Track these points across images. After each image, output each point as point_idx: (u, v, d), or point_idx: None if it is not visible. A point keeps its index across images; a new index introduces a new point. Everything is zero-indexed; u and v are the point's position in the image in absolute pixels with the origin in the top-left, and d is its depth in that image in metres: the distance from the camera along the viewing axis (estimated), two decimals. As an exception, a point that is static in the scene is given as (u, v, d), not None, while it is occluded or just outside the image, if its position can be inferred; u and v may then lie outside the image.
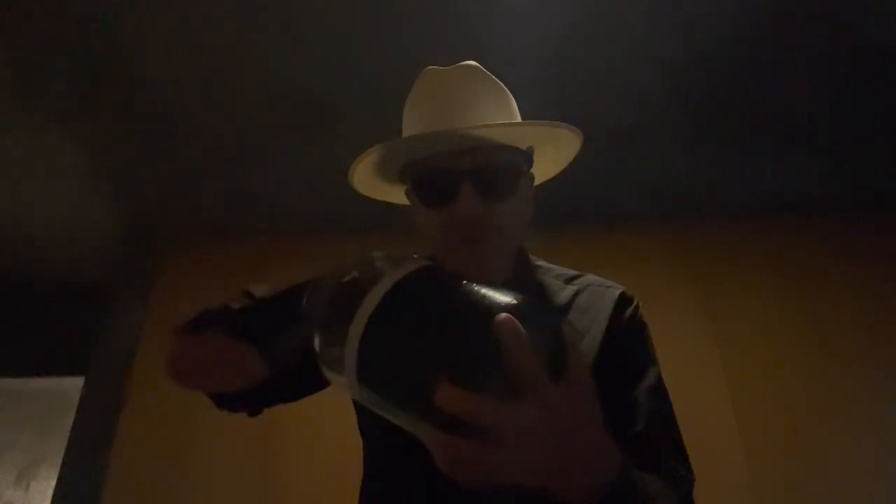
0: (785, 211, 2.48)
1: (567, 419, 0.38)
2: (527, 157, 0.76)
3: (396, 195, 0.85)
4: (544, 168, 0.83)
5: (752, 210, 2.50)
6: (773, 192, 2.41)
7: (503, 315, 0.36)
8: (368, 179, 0.81)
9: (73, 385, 2.41)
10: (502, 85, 0.78)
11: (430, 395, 0.36)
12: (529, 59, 1.71)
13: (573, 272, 0.83)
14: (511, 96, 0.79)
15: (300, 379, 0.72)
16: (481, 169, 0.69)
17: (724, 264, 2.45)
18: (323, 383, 0.77)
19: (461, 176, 0.68)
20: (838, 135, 2.11)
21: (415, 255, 0.86)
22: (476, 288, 0.43)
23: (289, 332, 0.62)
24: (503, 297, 0.40)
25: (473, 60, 0.79)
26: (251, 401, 0.71)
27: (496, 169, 0.70)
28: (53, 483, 2.17)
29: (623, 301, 0.77)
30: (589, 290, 0.78)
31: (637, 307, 0.78)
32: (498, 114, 0.75)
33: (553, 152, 0.80)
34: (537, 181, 0.83)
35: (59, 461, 2.21)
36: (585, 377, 0.42)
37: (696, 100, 1.94)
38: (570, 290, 0.78)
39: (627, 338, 0.74)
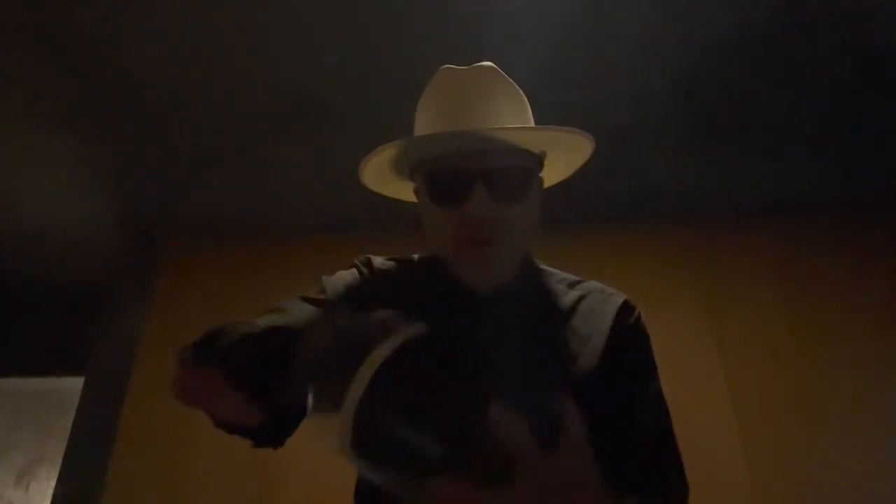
0: (785, 211, 2.48)
1: (561, 494, 0.38)
2: (539, 161, 0.76)
3: (403, 192, 0.84)
4: (554, 172, 0.83)
5: (752, 210, 2.50)
6: (774, 192, 2.41)
7: (497, 411, 0.36)
8: (377, 175, 0.81)
9: (73, 385, 2.40)
10: (517, 87, 0.78)
11: (423, 483, 0.37)
12: (529, 60, 1.71)
13: (575, 278, 0.83)
14: (525, 99, 0.79)
15: (297, 420, 0.69)
16: (495, 171, 0.68)
17: (724, 264, 2.45)
18: None
19: (474, 177, 0.68)
20: (838, 135, 2.11)
21: (415, 256, 0.86)
22: (469, 362, 0.43)
23: (284, 382, 0.61)
24: (497, 379, 0.41)
25: (473, 60, 0.78)
26: (249, 436, 0.69)
27: (509, 172, 0.70)
28: (53, 483, 2.17)
29: (625, 309, 0.77)
30: (592, 296, 0.78)
31: (639, 317, 0.78)
32: (514, 116, 0.75)
33: (564, 157, 0.80)
34: (546, 185, 0.83)
35: (59, 461, 2.20)
36: (581, 446, 0.42)
37: (696, 100, 1.94)
38: (574, 294, 0.78)
39: (629, 347, 0.74)
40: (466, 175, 0.68)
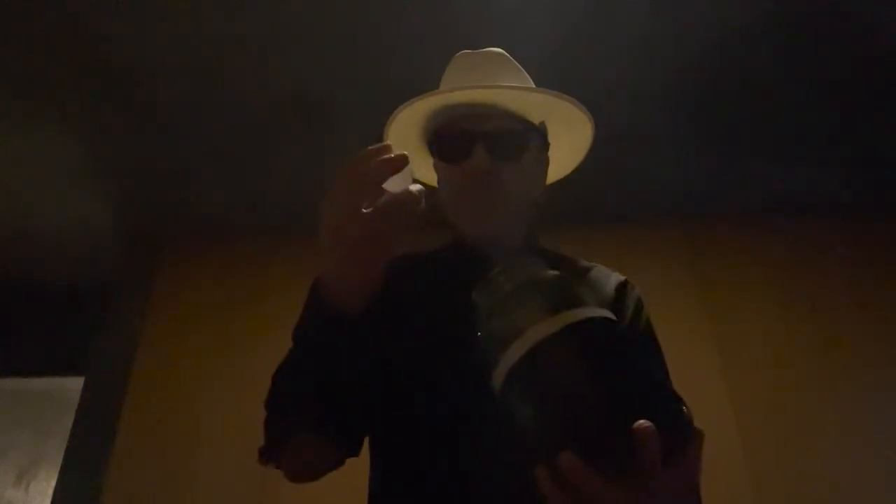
0: (785, 211, 2.48)
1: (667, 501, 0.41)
2: (539, 132, 0.83)
3: (426, 171, 0.91)
4: (560, 154, 0.90)
5: (753, 210, 2.50)
6: (774, 192, 2.41)
7: (647, 426, 0.38)
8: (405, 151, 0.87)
9: (73, 385, 2.40)
10: (525, 73, 0.87)
11: (553, 450, 0.39)
12: (529, 60, 1.71)
13: (578, 258, 0.89)
14: (531, 81, 0.87)
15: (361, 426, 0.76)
16: (494, 132, 0.77)
17: (725, 264, 2.45)
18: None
19: (475, 137, 0.77)
20: (839, 135, 2.11)
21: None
22: (634, 364, 0.45)
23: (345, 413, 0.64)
24: (650, 390, 0.43)
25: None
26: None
27: (506, 134, 0.78)
28: (53, 483, 2.17)
29: (625, 284, 0.83)
30: (597, 270, 0.86)
31: (640, 297, 0.82)
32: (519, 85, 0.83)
33: (567, 134, 0.86)
34: (559, 172, 0.93)
35: (59, 461, 2.20)
36: (697, 467, 0.43)
37: (696, 100, 1.93)
38: (580, 266, 0.86)
39: (632, 319, 0.78)
40: (469, 135, 0.77)
